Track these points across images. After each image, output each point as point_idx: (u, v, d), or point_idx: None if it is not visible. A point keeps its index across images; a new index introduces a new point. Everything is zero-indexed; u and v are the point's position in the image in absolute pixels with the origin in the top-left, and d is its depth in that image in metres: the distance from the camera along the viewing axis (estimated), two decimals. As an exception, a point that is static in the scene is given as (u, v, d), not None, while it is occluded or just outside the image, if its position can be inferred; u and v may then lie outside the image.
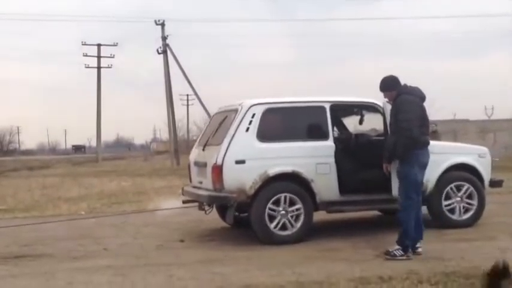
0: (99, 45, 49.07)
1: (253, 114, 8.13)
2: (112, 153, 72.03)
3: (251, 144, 8.03)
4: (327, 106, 8.45)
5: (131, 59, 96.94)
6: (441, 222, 8.62)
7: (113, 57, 49.44)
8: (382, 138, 8.74)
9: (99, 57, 48.88)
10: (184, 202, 9.12)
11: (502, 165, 23.94)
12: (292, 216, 7.97)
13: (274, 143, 8.15)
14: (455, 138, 51.47)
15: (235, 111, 8.31)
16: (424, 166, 7.07)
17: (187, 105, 72.15)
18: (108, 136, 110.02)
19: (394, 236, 7.37)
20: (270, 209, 7.90)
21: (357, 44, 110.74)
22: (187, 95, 58.97)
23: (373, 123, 9.56)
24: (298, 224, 7.98)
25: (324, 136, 8.34)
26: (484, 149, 9.32)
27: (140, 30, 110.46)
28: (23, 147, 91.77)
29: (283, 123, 8.52)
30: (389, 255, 6.87)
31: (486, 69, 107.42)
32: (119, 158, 61.46)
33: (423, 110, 7.10)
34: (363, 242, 7.86)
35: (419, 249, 7.06)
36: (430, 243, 7.65)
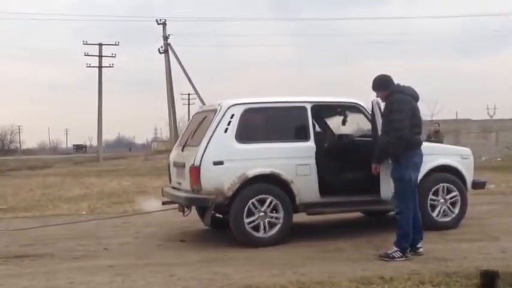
0: (100, 44, 49.12)
1: (232, 115, 8.00)
2: (113, 153, 72.03)
3: (229, 145, 7.91)
4: (308, 106, 8.32)
5: (132, 58, 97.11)
6: (425, 224, 8.23)
7: (114, 56, 49.55)
8: (366, 138, 8.74)
9: (100, 56, 48.92)
10: (164, 203, 9.00)
11: (505, 166, 24.04)
12: (271, 218, 7.85)
13: (253, 143, 8.02)
14: (457, 138, 51.60)
15: (214, 111, 8.19)
16: (417, 167, 7.00)
17: (189, 104, 72.26)
18: (109, 135, 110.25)
19: (393, 235, 7.35)
20: (248, 210, 7.77)
21: (361, 43, 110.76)
22: (189, 94, 59.11)
23: (356, 123, 9.47)
24: (278, 226, 7.86)
25: (304, 137, 8.20)
26: (466, 150, 9.22)
27: (142, 29, 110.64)
28: (24, 147, 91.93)
29: (263, 123, 8.41)
30: (387, 258, 6.80)
31: (489, 68, 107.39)
32: (119, 157, 61.44)
33: (416, 109, 6.98)
34: (365, 242, 7.84)
35: (421, 250, 7.01)
36: (432, 243, 7.63)
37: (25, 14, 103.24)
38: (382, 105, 7.41)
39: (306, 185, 8.04)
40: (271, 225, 7.85)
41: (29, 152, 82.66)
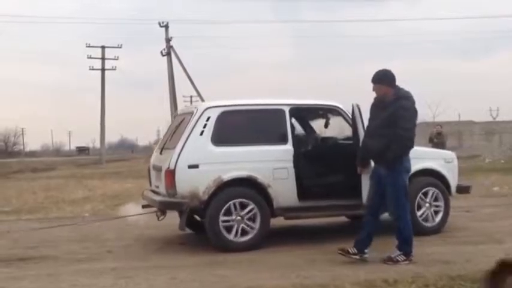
0: (103, 47, 49.15)
1: (208, 118, 7.89)
2: (116, 155, 72.07)
3: (205, 148, 7.81)
4: (286, 109, 8.20)
5: (135, 60, 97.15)
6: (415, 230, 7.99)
7: (117, 59, 49.57)
8: (347, 142, 8.63)
9: (103, 59, 48.96)
10: (143, 207, 8.86)
11: (509, 167, 24.00)
12: (248, 222, 7.73)
13: (229, 147, 7.92)
14: (460, 140, 51.59)
15: (191, 114, 8.11)
16: (409, 171, 6.95)
17: (191, 106, 72.03)
18: (112, 137, 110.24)
19: (394, 239, 7.33)
20: (224, 215, 7.66)
21: (362, 45, 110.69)
22: (191, 96, 58.99)
23: (336, 126, 9.30)
24: (255, 230, 7.74)
25: (282, 140, 8.07)
26: (450, 154, 9.10)
27: (144, 32, 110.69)
28: (27, 149, 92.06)
29: (239, 126, 8.26)
30: (391, 262, 6.75)
31: (491, 70, 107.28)
32: (122, 159, 61.47)
33: (417, 117, 6.92)
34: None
35: (367, 255, 6.92)
36: (436, 246, 7.64)
37: (29, 17, 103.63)
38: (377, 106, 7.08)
39: (284, 189, 7.91)
40: (245, 232, 7.73)
41: (32, 154, 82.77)
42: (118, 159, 60.71)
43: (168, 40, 38.10)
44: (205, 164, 7.73)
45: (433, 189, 8.44)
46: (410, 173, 7.88)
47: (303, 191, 8.09)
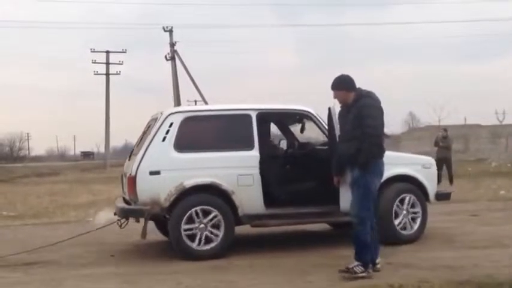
0: (107, 52, 49.29)
1: (171, 123, 7.75)
2: (120, 160, 72.04)
3: (167, 155, 7.65)
4: (253, 114, 7.99)
5: (140, 65, 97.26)
6: (386, 235, 7.67)
7: (122, 63, 49.68)
8: (321, 147, 8.50)
9: (107, 64, 49.09)
10: (115, 214, 8.56)
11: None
12: (211, 230, 7.55)
13: (192, 153, 7.75)
14: (466, 143, 51.44)
15: (156, 119, 8.00)
16: (382, 175, 6.61)
17: (196, 111, 71.93)
18: (116, 142, 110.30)
19: (403, 245, 7.31)
20: (186, 222, 7.49)
21: (368, 49, 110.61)
22: (195, 101, 58.87)
23: (308, 131, 9.07)
24: (219, 238, 7.56)
25: (248, 145, 7.85)
26: (429, 159, 8.74)
27: (148, 36, 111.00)
28: (32, 154, 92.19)
29: (204, 132, 8.11)
30: (348, 273, 6.31)
31: (498, 73, 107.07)
32: (128, 164, 61.40)
33: (383, 114, 6.54)
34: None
35: (379, 266, 6.57)
36: (442, 251, 7.59)
37: (34, 22, 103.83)
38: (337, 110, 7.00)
39: (249, 195, 7.70)
40: (208, 240, 7.56)
41: (37, 159, 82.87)
42: (123, 164, 60.56)
43: (172, 45, 38.17)
44: (167, 170, 7.59)
45: (409, 195, 8.10)
46: (384, 180, 7.61)
47: (270, 198, 7.90)
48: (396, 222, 7.99)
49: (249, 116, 7.98)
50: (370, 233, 6.41)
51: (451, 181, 18.59)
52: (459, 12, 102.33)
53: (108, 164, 49.97)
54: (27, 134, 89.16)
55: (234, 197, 7.64)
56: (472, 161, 35.88)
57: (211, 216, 7.54)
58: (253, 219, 7.82)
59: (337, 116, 7.12)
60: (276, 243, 7.98)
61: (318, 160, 8.05)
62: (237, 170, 7.70)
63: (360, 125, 6.33)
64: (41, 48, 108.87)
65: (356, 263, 6.36)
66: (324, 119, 7.91)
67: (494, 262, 6.85)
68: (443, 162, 18.88)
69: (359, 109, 6.39)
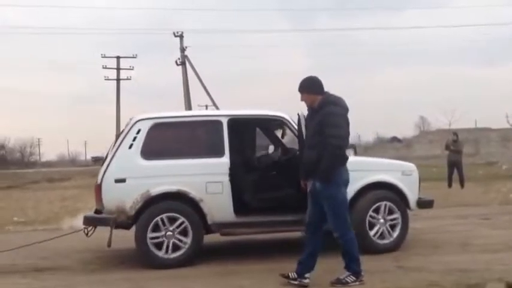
0: (118, 57, 49.43)
1: (139, 130, 7.61)
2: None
3: (133, 162, 7.52)
4: (224, 120, 7.80)
5: (150, 70, 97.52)
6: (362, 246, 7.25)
7: (132, 69, 49.82)
8: (293, 153, 8.25)
9: (118, 69, 49.24)
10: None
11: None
12: (179, 237, 7.43)
13: (160, 160, 7.61)
14: (477, 147, 51.24)
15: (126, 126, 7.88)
16: (347, 183, 6.31)
17: (207, 115, 71.91)
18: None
19: (414, 246, 7.24)
20: (152, 230, 7.38)
21: (378, 53, 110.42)
22: (206, 106, 59.05)
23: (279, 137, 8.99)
24: (186, 246, 7.42)
25: (218, 152, 7.66)
26: (409, 166, 8.34)
27: (159, 42, 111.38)
28: (43, 159, 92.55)
29: (173, 139, 7.97)
30: (340, 284, 6.17)
31: (508, 76, 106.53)
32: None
33: (348, 124, 6.25)
34: (383, 254, 7.68)
35: (307, 280, 6.27)
36: (454, 254, 7.56)
37: (45, 28, 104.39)
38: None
39: (218, 203, 7.54)
40: (176, 247, 7.43)
41: (48, 164, 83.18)
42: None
43: (182, 50, 38.28)
44: (133, 178, 7.47)
45: (385, 202, 7.77)
46: (360, 187, 7.70)
47: (240, 206, 7.76)
48: (372, 232, 7.72)
49: (219, 122, 7.81)
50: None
51: (462, 185, 18.53)
52: (470, 16, 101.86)
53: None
54: (38, 139, 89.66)
55: (202, 205, 7.48)
56: (482, 164, 35.72)
57: (177, 223, 7.42)
58: (223, 227, 7.66)
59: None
60: (285, 248, 7.93)
61: (291, 166, 7.81)
62: (206, 177, 7.53)
63: (322, 133, 6.08)
64: (52, 54, 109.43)
65: (347, 273, 6.21)
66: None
67: (506, 265, 6.81)
68: (454, 165, 18.85)
69: (323, 116, 6.12)
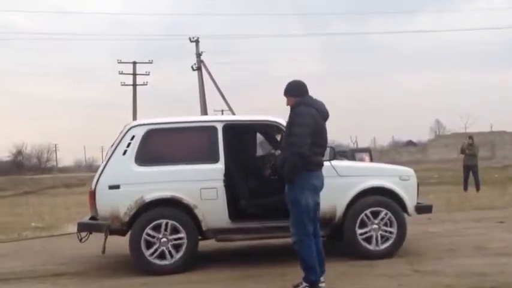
0: (134, 63, 49.51)
1: (133, 136, 7.61)
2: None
3: (127, 168, 7.51)
4: (219, 126, 7.77)
5: (166, 75, 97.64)
6: (356, 252, 7.65)
7: (148, 74, 49.92)
8: None
9: (134, 74, 49.34)
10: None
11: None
12: (173, 244, 7.40)
13: (154, 166, 7.58)
14: (492, 150, 50.94)
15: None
16: (315, 189, 6.06)
17: (222, 120, 71.92)
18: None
19: (430, 250, 7.21)
20: (147, 236, 7.37)
21: (392, 57, 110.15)
22: (222, 111, 59.36)
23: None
24: (180, 253, 7.40)
25: (212, 158, 7.62)
26: (407, 171, 8.18)
27: (175, 47, 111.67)
28: (60, 165, 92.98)
29: (167, 145, 7.91)
30: None
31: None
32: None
33: (321, 127, 6.09)
34: (399, 257, 7.70)
35: (323, 284, 6.16)
36: (469, 257, 7.54)
37: (61, 34, 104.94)
38: None
39: (213, 209, 7.50)
40: (173, 252, 7.42)
41: (65, 170, 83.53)
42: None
43: (198, 55, 38.34)
44: (127, 184, 7.47)
45: (385, 211, 7.66)
46: (357, 193, 7.63)
47: (236, 212, 7.74)
48: (360, 231, 7.63)
49: (214, 128, 7.78)
50: (314, 246, 6.06)
51: (477, 188, 18.45)
52: (483, 20, 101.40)
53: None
54: (55, 145, 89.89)
55: (197, 211, 7.46)
56: (498, 167, 35.54)
57: (173, 230, 7.40)
58: (218, 233, 7.64)
59: None
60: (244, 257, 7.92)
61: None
62: (200, 183, 7.49)
63: (288, 134, 6.07)
64: (68, 60, 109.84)
65: (304, 284, 6.08)
66: None
67: (522, 269, 6.80)
68: (470, 169, 18.79)
69: (291, 117, 6.11)
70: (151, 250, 7.39)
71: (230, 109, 36.31)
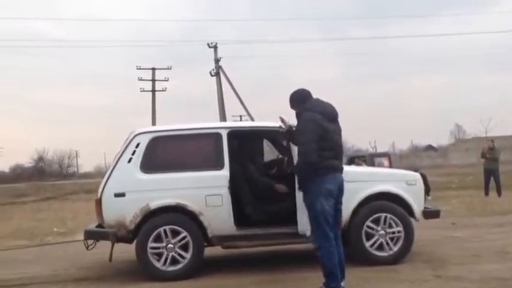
0: (153, 69, 49.71)
1: (138, 144, 7.62)
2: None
3: (133, 176, 7.52)
4: (224, 133, 7.75)
5: (185, 81, 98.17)
6: (374, 263, 7.53)
7: (167, 80, 50.10)
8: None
9: (153, 80, 49.54)
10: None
11: None
12: (179, 251, 7.41)
13: (159, 174, 7.58)
14: (514, 154, 50.35)
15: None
16: (330, 194, 5.96)
17: (241, 126, 72.04)
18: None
19: (452, 255, 7.15)
20: (153, 242, 7.39)
21: (411, 62, 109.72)
22: (240, 116, 59.47)
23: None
24: (186, 259, 7.40)
25: (217, 165, 7.60)
26: (413, 175, 8.12)
27: (193, 53, 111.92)
28: (81, 171, 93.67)
29: (172, 152, 7.88)
30: None
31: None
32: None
33: (326, 130, 5.96)
34: (421, 262, 7.66)
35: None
36: (492, 263, 7.48)
37: (81, 42, 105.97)
38: None
39: (218, 216, 7.46)
40: (175, 261, 7.42)
41: (86, 175, 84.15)
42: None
43: (217, 60, 38.41)
44: (132, 192, 7.48)
45: (385, 214, 7.57)
46: (363, 198, 7.57)
47: (241, 219, 7.69)
48: (369, 243, 7.57)
49: (219, 135, 7.76)
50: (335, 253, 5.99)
51: (499, 193, 18.28)
52: (503, 22, 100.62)
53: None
54: (76, 151, 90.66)
55: (202, 218, 7.45)
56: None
57: (178, 236, 7.42)
58: (224, 240, 7.62)
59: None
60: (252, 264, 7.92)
61: (291, 179, 7.52)
62: (205, 190, 7.47)
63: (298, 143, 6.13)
64: (88, 67, 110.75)
65: None
66: None
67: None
68: (491, 173, 18.61)
69: (297, 125, 6.18)
70: (159, 257, 7.42)
71: (248, 114, 36.32)
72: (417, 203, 7.83)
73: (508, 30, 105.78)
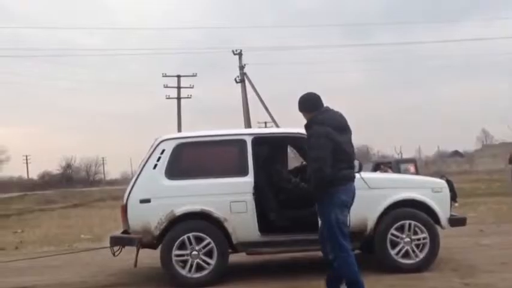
0: (178, 76, 49.91)
1: (163, 150, 7.66)
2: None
3: (158, 182, 7.56)
4: (248, 139, 7.77)
5: (210, 88, 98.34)
6: (401, 271, 7.45)
7: (192, 87, 50.30)
8: None
9: (179, 88, 49.76)
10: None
11: None
12: (203, 257, 7.39)
13: (184, 180, 7.60)
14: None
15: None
16: (344, 204, 5.89)
17: (266, 132, 72.02)
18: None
19: (481, 263, 7.07)
20: (177, 249, 7.39)
21: (436, 67, 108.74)
22: (265, 123, 59.54)
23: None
24: (211, 266, 7.39)
25: (242, 171, 7.61)
26: (439, 182, 8.09)
27: (218, 60, 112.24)
28: (108, 178, 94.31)
29: (197, 158, 7.89)
30: None
31: None
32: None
33: (338, 143, 5.87)
34: (449, 270, 7.59)
35: None
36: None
37: (107, 50, 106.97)
38: None
39: (243, 223, 7.48)
40: (200, 267, 7.41)
41: (112, 182, 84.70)
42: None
43: (241, 67, 38.56)
44: (158, 198, 7.51)
45: (409, 221, 7.51)
46: (388, 205, 7.52)
47: (265, 225, 7.67)
48: (394, 251, 7.51)
49: (243, 141, 7.79)
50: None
51: (527, 199, 18.08)
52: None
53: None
54: (103, 158, 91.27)
55: (226, 224, 7.46)
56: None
57: (203, 242, 7.42)
58: (248, 246, 7.63)
59: None
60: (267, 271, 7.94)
61: None
62: (230, 196, 7.49)
63: (308, 157, 6.13)
64: (114, 75, 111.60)
65: None
66: None
67: None
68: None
69: (307, 138, 6.06)
70: (184, 264, 7.42)
71: (274, 121, 36.36)
72: (443, 211, 7.75)
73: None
